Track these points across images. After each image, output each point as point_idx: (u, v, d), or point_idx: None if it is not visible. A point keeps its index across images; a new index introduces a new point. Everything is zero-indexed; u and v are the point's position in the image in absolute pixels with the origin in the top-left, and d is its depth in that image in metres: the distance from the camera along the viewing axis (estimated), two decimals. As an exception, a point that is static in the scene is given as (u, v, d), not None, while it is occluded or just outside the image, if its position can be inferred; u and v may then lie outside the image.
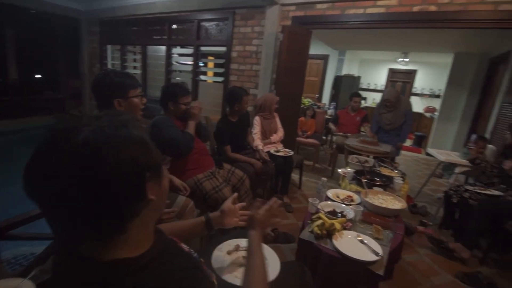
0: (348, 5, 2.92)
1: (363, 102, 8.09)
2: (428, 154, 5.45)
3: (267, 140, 2.90)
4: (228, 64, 3.85)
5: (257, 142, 2.73)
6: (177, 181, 1.63)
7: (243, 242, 1.12)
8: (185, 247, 0.69)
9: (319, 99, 7.06)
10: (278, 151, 2.81)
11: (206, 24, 4.02)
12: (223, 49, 3.87)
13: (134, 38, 4.88)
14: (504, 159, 2.28)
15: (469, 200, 2.21)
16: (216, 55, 4.23)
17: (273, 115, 2.97)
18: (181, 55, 4.57)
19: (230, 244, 1.12)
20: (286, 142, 3.20)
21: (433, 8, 2.55)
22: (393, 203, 1.78)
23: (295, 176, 3.45)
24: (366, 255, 1.28)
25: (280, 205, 2.70)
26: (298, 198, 3.04)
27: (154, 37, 4.65)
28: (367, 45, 6.04)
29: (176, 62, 4.62)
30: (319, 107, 5.46)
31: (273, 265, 0.99)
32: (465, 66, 5.21)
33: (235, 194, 1.00)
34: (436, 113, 5.84)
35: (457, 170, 2.75)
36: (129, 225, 0.50)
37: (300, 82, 3.53)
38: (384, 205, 1.71)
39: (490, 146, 2.75)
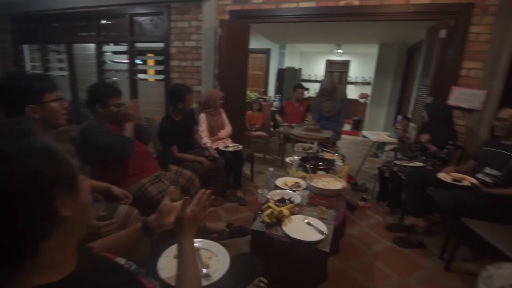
0: (282, 0, 3.02)
1: (306, 92, 8.54)
2: (364, 136, 6.02)
3: (215, 137, 2.87)
4: (167, 61, 3.68)
5: (205, 140, 2.68)
6: (116, 189, 1.51)
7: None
8: (121, 261, 0.65)
9: (265, 92, 7.22)
10: (227, 147, 2.81)
11: (140, 19, 3.77)
12: (162, 45, 3.68)
13: (56, 36, 4.33)
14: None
15: (398, 173, 2.50)
16: (156, 52, 3.99)
17: (219, 111, 2.94)
18: (115, 53, 4.21)
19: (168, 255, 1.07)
20: (235, 136, 3.22)
21: (356, 2, 2.79)
22: (335, 183, 1.92)
23: (247, 169, 3.50)
24: (313, 236, 1.36)
25: (233, 200, 2.75)
26: (252, 191, 3.10)
27: (81, 34, 4.19)
28: (304, 38, 6.35)
29: (111, 60, 4.25)
30: (265, 100, 5.58)
31: (222, 261, 0.99)
32: (388, 55, 5.85)
33: (171, 188, 0.97)
34: (369, 99, 6.47)
35: (387, 147, 3.09)
36: (40, 248, 0.45)
37: (243, 76, 3.56)
38: (327, 187, 1.85)
39: (411, 124, 3.15)
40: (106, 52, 4.12)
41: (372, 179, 3.53)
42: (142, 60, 4.33)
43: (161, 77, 3.82)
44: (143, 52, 4.26)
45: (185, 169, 2.13)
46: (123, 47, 3.98)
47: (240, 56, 3.40)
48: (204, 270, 0.95)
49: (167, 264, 0.97)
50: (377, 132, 3.57)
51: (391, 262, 1.95)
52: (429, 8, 2.64)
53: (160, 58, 3.78)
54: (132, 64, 3.91)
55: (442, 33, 2.68)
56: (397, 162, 2.62)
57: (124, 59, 4.00)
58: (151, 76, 4.29)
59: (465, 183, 1.92)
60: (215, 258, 1.01)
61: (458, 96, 2.67)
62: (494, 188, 1.86)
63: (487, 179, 1.96)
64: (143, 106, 4.02)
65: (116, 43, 4.14)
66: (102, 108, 1.67)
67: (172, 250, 1.06)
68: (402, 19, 2.79)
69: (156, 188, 1.75)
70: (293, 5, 3.00)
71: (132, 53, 3.88)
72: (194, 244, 1.06)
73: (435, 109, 2.55)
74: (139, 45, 3.92)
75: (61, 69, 4.63)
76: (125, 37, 3.86)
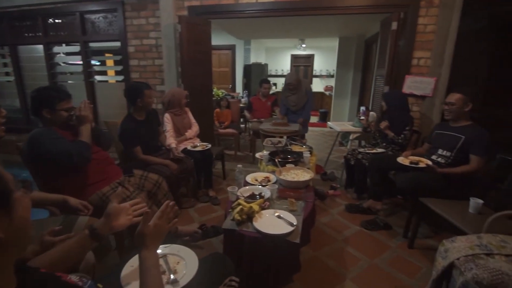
0: (241, -6, 3.00)
1: (274, 88, 8.63)
2: (331, 127, 6.23)
3: (182, 137, 2.79)
4: (126, 61, 3.49)
5: (170, 141, 2.58)
6: (73, 201, 1.40)
7: (158, 250, 1.04)
8: (73, 278, 0.60)
9: (233, 89, 7.17)
10: (195, 147, 2.75)
11: (92, 16, 3.53)
12: (119, 44, 3.48)
13: (-3, 38, 3.91)
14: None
15: (362, 161, 2.62)
16: (114, 52, 3.77)
17: (184, 110, 2.86)
18: (67, 54, 3.90)
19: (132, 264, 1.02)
20: (204, 135, 3.15)
21: (313, -4, 2.85)
22: (304, 175, 1.96)
23: (218, 168, 3.46)
24: (283, 228, 1.38)
25: (206, 200, 2.70)
26: (224, 189, 3.06)
27: (26, 34, 3.83)
28: (268, 34, 6.39)
29: (64, 62, 3.94)
30: (233, 97, 5.54)
31: (191, 264, 0.96)
32: (348, 48, 6.09)
33: (119, 190, 0.93)
34: (333, 91, 6.70)
35: (351, 137, 3.22)
36: None
37: (207, 73, 3.49)
38: (296, 179, 1.88)
39: (372, 113, 3.31)
40: (57, 53, 3.80)
41: (340, 167, 3.66)
42: (99, 61, 4.06)
43: (120, 78, 3.62)
44: (100, 52, 4.00)
45: (150, 173, 2.04)
46: (76, 48, 3.70)
47: (203, 52, 3.32)
48: (172, 276, 0.92)
49: (132, 275, 0.92)
50: (342, 122, 3.71)
51: (360, 245, 2.04)
52: (380, 1, 2.78)
53: (118, 58, 3.58)
54: (87, 65, 3.66)
55: (394, 25, 2.84)
56: (361, 150, 2.75)
57: (78, 60, 3.73)
58: (110, 77, 4.04)
59: (421, 165, 2.06)
60: (183, 262, 0.98)
61: (411, 84, 2.85)
62: (446, 168, 2.02)
63: (440, 159, 2.12)
64: (103, 110, 3.80)
65: (67, 44, 3.84)
66: (50, 114, 1.53)
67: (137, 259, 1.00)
68: (357, 12, 2.91)
69: (122, 194, 1.66)
70: (253, 0, 2.99)
71: (86, 54, 3.63)
72: (160, 251, 1.03)
73: (391, 98, 2.71)
74: (95, 44, 3.68)
75: (7, 74, 4.20)
76: (77, 36, 3.59)
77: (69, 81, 4.04)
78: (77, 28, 3.56)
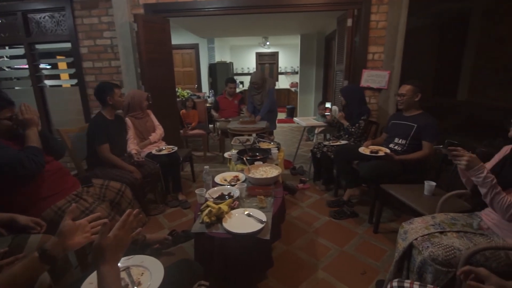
0: (199, -8, 2.93)
1: (241, 86, 8.62)
2: (297, 123, 6.39)
3: (146, 141, 2.67)
4: (79, 63, 3.25)
5: (130, 147, 2.45)
6: (22, 218, 1.27)
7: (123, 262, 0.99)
8: None
9: (199, 88, 7.03)
10: (160, 150, 2.65)
11: (36, 16, 3.23)
12: (69, 45, 3.22)
13: None
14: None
15: (327, 153, 2.72)
16: (66, 54, 3.48)
17: (146, 113, 2.73)
18: (11, 57, 3.53)
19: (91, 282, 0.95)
20: (170, 138, 3.05)
21: (271, -6, 2.88)
22: (272, 171, 1.98)
23: (187, 170, 3.37)
24: (253, 227, 1.38)
25: (175, 204, 2.62)
26: (194, 192, 2.99)
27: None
28: (230, 32, 6.34)
29: (8, 67, 3.55)
30: (199, 97, 5.43)
31: (156, 274, 0.92)
32: (309, 45, 6.26)
33: (73, 206, 0.85)
34: (298, 87, 6.86)
35: (316, 131, 3.33)
36: None
37: (169, 73, 3.37)
38: (264, 176, 1.89)
39: (334, 107, 3.44)
40: (1, 57, 3.43)
41: (308, 161, 3.76)
42: (50, 64, 3.73)
43: (74, 81, 3.36)
44: (50, 55, 3.67)
45: (112, 181, 1.92)
46: (20, 50, 3.36)
47: (163, 52, 3.20)
48: (136, 289, 0.87)
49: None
50: (307, 117, 3.81)
51: (330, 235, 2.12)
52: (335, -1, 2.89)
53: (69, 60, 3.32)
54: (34, 69, 3.34)
55: (349, 22, 2.96)
56: (326, 143, 2.84)
57: (24, 63, 3.39)
58: (63, 81, 3.73)
59: (381, 153, 2.19)
60: (147, 273, 0.94)
61: (368, 78, 3.01)
62: (402, 155, 2.17)
63: (396, 147, 2.26)
64: (56, 117, 3.51)
65: (10, 46, 3.47)
66: (-11, 123, 1.38)
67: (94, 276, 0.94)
68: (314, 10, 3.00)
69: (77, 209, 1.54)
70: (212, -2, 2.94)
71: (33, 57, 3.32)
72: (121, 264, 0.97)
73: (349, 93, 2.83)
74: (44, 46, 3.37)
75: None
76: (20, 38, 3.26)
77: (16, 87, 3.67)
78: (19, 29, 3.23)
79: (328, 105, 3.40)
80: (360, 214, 2.38)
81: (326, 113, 3.23)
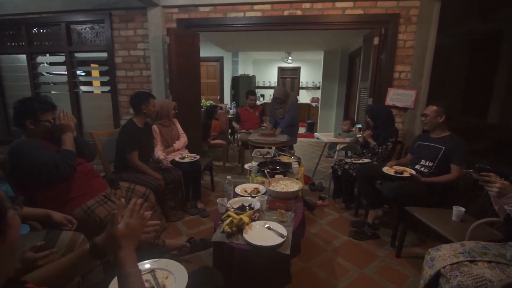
0: (229, 9, 3.06)
1: (261, 99, 8.74)
2: (318, 138, 6.34)
3: (170, 148, 2.76)
4: (113, 71, 3.46)
5: (158, 153, 2.55)
6: (56, 215, 1.35)
7: (146, 264, 1.02)
8: None
9: (221, 100, 7.21)
10: (183, 158, 2.72)
11: (78, 27, 3.50)
12: (105, 55, 3.45)
13: (-24, 47, 3.79)
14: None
15: (349, 171, 2.67)
16: (100, 62, 3.74)
17: (172, 121, 2.84)
18: (51, 64, 3.83)
19: None
20: (192, 147, 3.13)
21: (299, 12, 2.96)
22: (293, 186, 1.97)
23: (207, 179, 3.42)
24: (274, 240, 1.37)
25: (194, 212, 2.66)
26: (213, 201, 3.03)
27: (8, 43, 3.74)
28: (255, 46, 6.51)
29: (47, 72, 3.85)
30: (221, 108, 5.56)
31: (180, 279, 0.94)
32: (332, 61, 6.28)
33: (121, 202, 0.87)
34: (319, 103, 6.85)
35: (338, 147, 3.29)
36: None
37: (196, 85, 3.50)
38: (285, 190, 1.89)
39: (358, 126, 3.40)
40: (40, 63, 3.72)
41: (327, 178, 3.71)
42: (84, 71, 4.01)
43: (106, 88, 3.57)
44: (85, 63, 3.95)
45: (137, 185, 2.00)
46: (60, 58, 3.64)
47: (192, 64, 3.34)
48: (161, 292, 0.89)
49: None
50: (327, 133, 3.78)
51: (350, 255, 2.06)
52: (362, 18, 2.91)
53: (104, 68, 3.54)
54: (72, 75, 3.59)
55: (375, 41, 2.97)
56: (348, 160, 2.80)
57: (63, 70, 3.66)
58: (95, 88, 3.97)
59: (406, 174, 2.13)
60: (172, 277, 0.96)
61: (394, 97, 2.97)
62: (429, 177, 2.09)
63: (423, 169, 2.19)
64: (88, 121, 3.72)
65: (52, 54, 3.77)
66: (33, 124, 1.50)
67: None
68: (340, 28, 3.03)
69: (105, 209, 1.61)
70: (240, 14, 3.06)
71: (72, 64, 3.57)
72: (148, 266, 1.00)
73: (376, 114, 2.75)
74: (80, 55, 3.63)
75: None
76: (62, 46, 3.54)
77: (53, 92, 3.95)
78: (62, 39, 3.51)
79: (359, 125, 3.31)
80: (381, 235, 2.30)
81: (358, 135, 3.12)
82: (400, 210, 2.03)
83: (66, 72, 3.60)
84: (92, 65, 4.25)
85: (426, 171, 2.16)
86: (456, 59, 4.06)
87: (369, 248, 2.16)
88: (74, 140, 1.64)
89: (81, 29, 3.49)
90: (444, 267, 1.23)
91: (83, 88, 3.71)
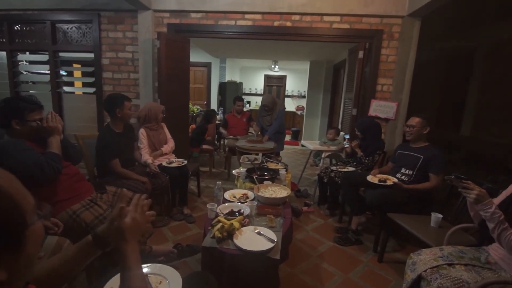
0: (221, 16, 3.11)
1: (247, 105, 8.80)
2: (303, 145, 6.46)
3: (157, 152, 2.73)
4: (99, 73, 3.39)
5: (146, 157, 2.51)
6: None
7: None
8: None
9: (208, 105, 7.19)
10: (171, 163, 2.70)
11: (64, 26, 3.42)
12: (92, 55, 3.38)
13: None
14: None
15: (335, 178, 2.75)
16: (83, 63, 3.64)
17: (160, 125, 2.82)
18: (34, 62, 3.69)
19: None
20: (180, 151, 3.11)
21: (289, 24, 3.05)
22: (281, 192, 2.01)
23: (193, 185, 3.40)
24: (264, 245, 1.40)
25: (180, 218, 2.63)
26: (199, 206, 3.01)
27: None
28: (243, 54, 6.60)
29: (27, 71, 3.70)
30: (208, 113, 5.54)
31: (174, 284, 0.94)
32: (318, 71, 6.48)
33: (123, 191, 0.85)
34: (304, 111, 7.01)
35: (323, 155, 3.38)
36: None
37: (185, 89, 3.49)
38: (273, 196, 1.92)
39: (341, 133, 3.52)
40: (20, 61, 3.58)
41: (312, 185, 3.79)
42: (66, 71, 3.88)
43: (91, 90, 3.48)
44: (68, 63, 3.84)
45: (124, 189, 1.96)
46: (43, 56, 3.52)
47: (181, 69, 3.34)
48: (155, 296, 0.89)
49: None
50: (313, 141, 3.88)
51: (334, 260, 2.11)
52: (348, 32, 3.05)
53: (90, 69, 3.46)
54: (55, 75, 3.48)
55: (360, 54, 3.11)
56: (333, 168, 2.88)
57: (45, 69, 3.54)
58: (77, 88, 3.86)
59: (389, 182, 2.22)
60: (166, 282, 0.96)
61: (376, 108, 3.11)
62: (410, 184, 2.20)
63: (403, 177, 2.30)
64: (71, 122, 3.60)
65: (34, 52, 3.64)
66: (20, 125, 1.45)
67: (116, 280, 0.96)
68: (327, 41, 3.16)
69: (91, 214, 1.57)
70: (232, 23, 3.12)
71: (56, 64, 3.47)
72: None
73: (364, 127, 2.85)
74: (65, 54, 3.53)
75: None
76: (46, 45, 3.43)
77: (32, 91, 3.79)
78: (46, 37, 3.41)
79: (347, 136, 3.38)
80: (364, 241, 2.37)
81: (346, 145, 3.17)
82: (382, 217, 2.12)
83: (48, 72, 3.49)
84: (74, 65, 4.13)
85: (406, 179, 2.27)
86: (434, 75, 4.32)
87: (353, 253, 2.22)
88: (61, 142, 1.60)
89: (67, 28, 3.41)
90: (425, 271, 1.30)
91: (68, 88, 3.60)
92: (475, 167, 3.07)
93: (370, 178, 2.33)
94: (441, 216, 1.84)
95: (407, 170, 2.30)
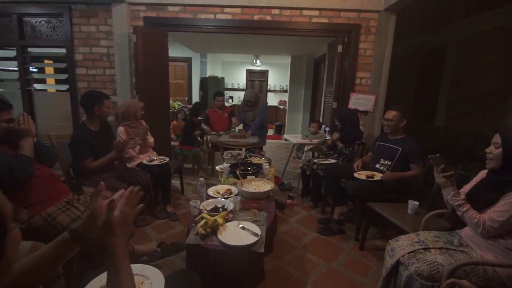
0: (199, 10, 3.05)
1: (230, 101, 8.74)
2: (286, 139, 6.52)
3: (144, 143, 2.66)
4: (72, 69, 3.23)
5: (130, 152, 2.44)
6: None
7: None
8: None
9: (189, 101, 7.07)
10: (152, 160, 2.64)
11: (32, 20, 3.22)
12: (64, 51, 3.21)
13: None
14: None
15: (317, 171, 2.80)
16: (55, 59, 3.45)
17: (139, 122, 2.74)
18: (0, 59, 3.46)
19: (101, 279, 0.93)
20: (161, 149, 3.05)
21: (268, 18, 3.04)
22: (265, 186, 2.02)
23: (176, 182, 3.34)
24: (248, 239, 1.40)
25: (164, 216, 2.59)
26: (183, 204, 2.98)
27: None
28: (224, 48, 6.51)
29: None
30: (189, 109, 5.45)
31: (157, 283, 0.92)
32: (299, 66, 6.52)
33: (101, 185, 0.81)
34: (287, 105, 7.05)
35: (306, 148, 3.43)
36: None
37: (164, 85, 3.41)
38: (257, 190, 1.93)
39: (323, 126, 3.58)
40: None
41: (296, 178, 3.84)
42: (37, 68, 3.67)
43: (64, 87, 3.32)
44: (38, 59, 3.63)
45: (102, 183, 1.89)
46: (11, 52, 3.30)
47: (160, 64, 3.25)
48: (137, 297, 0.87)
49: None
50: (295, 135, 3.93)
51: (318, 251, 2.16)
52: (327, 26, 3.08)
53: (62, 65, 3.29)
54: (25, 72, 3.29)
55: (339, 48, 3.16)
56: (316, 160, 2.93)
57: (12, 66, 3.33)
58: (50, 86, 3.67)
59: (376, 178, 2.25)
60: (148, 282, 0.94)
61: (356, 101, 3.18)
62: (396, 173, 2.25)
63: (383, 168, 2.38)
64: (44, 122, 3.43)
65: (0, 47, 3.41)
66: (-14, 126, 1.36)
67: (97, 282, 0.93)
68: (306, 35, 3.19)
69: (68, 216, 1.51)
70: (211, 16, 3.06)
71: (24, 60, 3.27)
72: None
73: (343, 116, 2.93)
74: (34, 50, 3.33)
75: None
76: (12, 40, 3.22)
77: (-1, 89, 3.57)
78: (13, 31, 3.20)
79: (327, 129, 3.44)
80: (346, 231, 2.44)
81: (327, 138, 3.21)
82: (362, 206, 2.18)
83: (16, 68, 3.29)
84: (46, 61, 3.92)
85: (386, 169, 2.35)
86: (409, 69, 4.47)
87: (336, 243, 2.29)
88: (34, 145, 1.52)
89: (36, 22, 3.21)
90: (403, 256, 1.36)
91: (39, 86, 3.41)
92: (449, 156, 3.23)
93: (357, 175, 2.33)
94: (417, 203, 1.92)
95: (386, 161, 2.38)
